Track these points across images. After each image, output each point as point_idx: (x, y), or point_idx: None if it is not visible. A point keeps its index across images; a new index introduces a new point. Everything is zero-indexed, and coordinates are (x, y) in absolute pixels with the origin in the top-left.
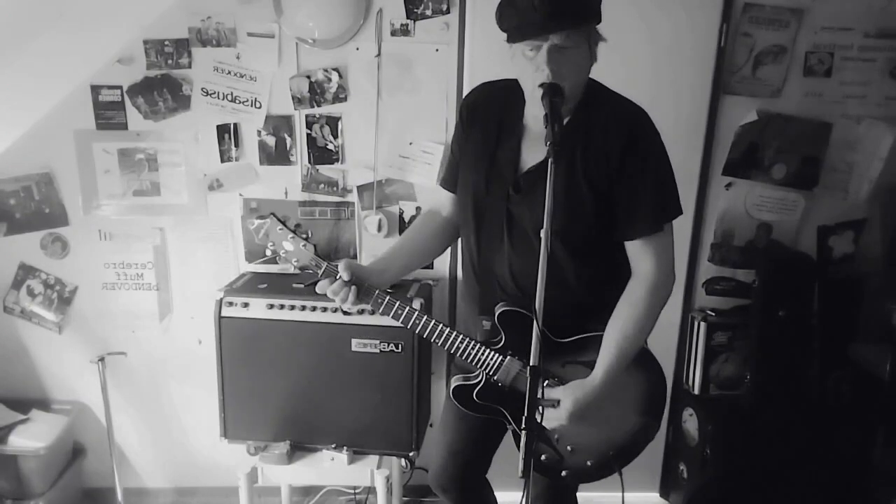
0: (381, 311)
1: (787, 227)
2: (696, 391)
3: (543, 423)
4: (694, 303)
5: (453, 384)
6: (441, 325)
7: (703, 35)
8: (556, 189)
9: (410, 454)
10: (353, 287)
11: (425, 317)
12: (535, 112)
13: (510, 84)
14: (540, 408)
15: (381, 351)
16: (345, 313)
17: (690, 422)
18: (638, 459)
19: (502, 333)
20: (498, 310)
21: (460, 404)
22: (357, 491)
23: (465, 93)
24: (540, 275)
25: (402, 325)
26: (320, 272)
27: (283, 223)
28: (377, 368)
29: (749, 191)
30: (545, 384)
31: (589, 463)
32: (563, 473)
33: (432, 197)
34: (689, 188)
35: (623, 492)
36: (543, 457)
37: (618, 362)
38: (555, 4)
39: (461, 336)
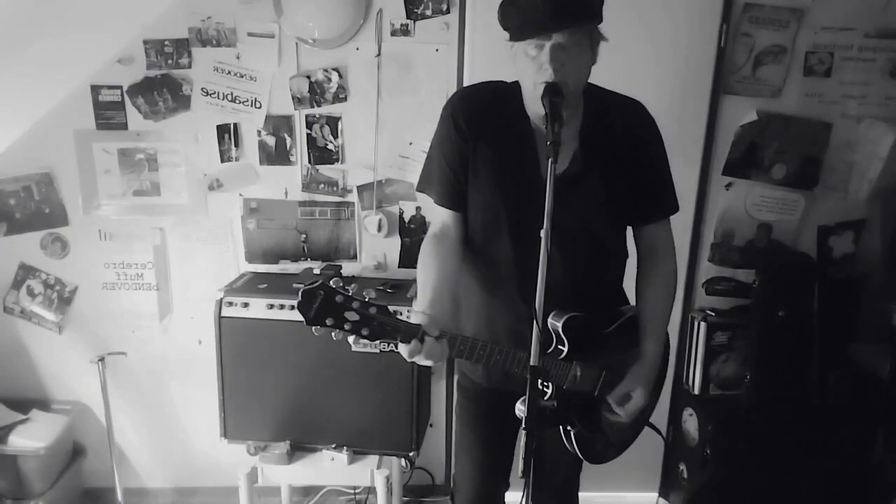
0: (464, 356)
1: (787, 227)
2: (696, 391)
3: (625, 419)
4: (694, 303)
5: (527, 411)
6: (519, 354)
7: (703, 35)
8: (595, 190)
9: (410, 454)
10: (445, 341)
11: (505, 350)
12: (539, 114)
13: (501, 87)
14: (610, 406)
15: (381, 351)
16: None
17: (690, 422)
18: (638, 459)
19: (566, 342)
20: (560, 319)
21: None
22: (357, 491)
23: None
24: (540, 275)
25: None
26: (399, 336)
27: (339, 290)
28: (377, 368)
29: (749, 191)
30: (603, 378)
31: (625, 435)
32: (611, 452)
33: (435, 218)
34: (689, 188)
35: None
36: (599, 445)
37: (662, 333)
38: (558, 2)
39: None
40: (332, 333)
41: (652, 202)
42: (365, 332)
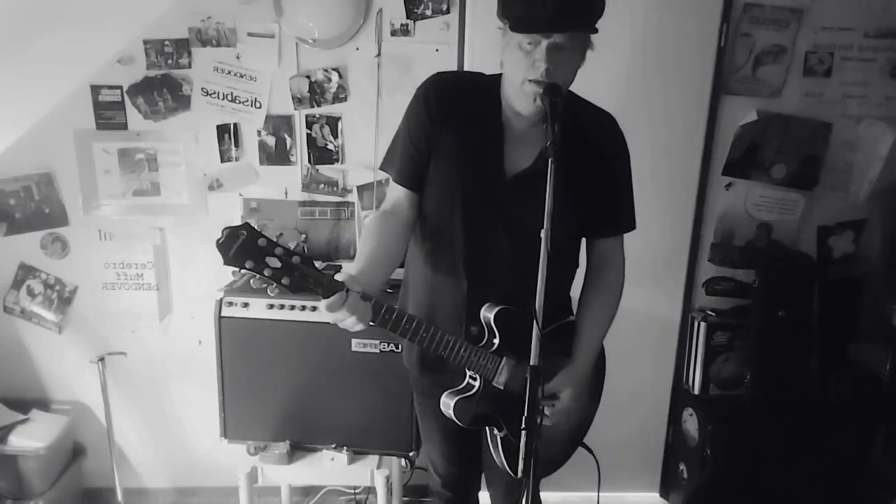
0: (388, 327)
1: (787, 227)
2: (696, 391)
3: (547, 420)
4: (694, 303)
5: (452, 401)
6: (447, 336)
7: (703, 35)
8: (557, 192)
9: (410, 454)
10: (369, 305)
11: (432, 328)
12: (516, 109)
13: (480, 79)
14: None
15: (380, 351)
16: None
17: (690, 422)
18: (637, 459)
19: (497, 335)
20: (492, 311)
21: (459, 420)
22: (357, 491)
23: None
24: (540, 275)
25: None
26: (320, 290)
27: (261, 233)
28: (377, 368)
29: (749, 191)
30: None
31: (554, 452)
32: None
33: (390, 194)
34: (689, 188)
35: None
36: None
37: (598, 344)
38: (564, 3)
39: (465, 344)
40: (252, 280)
41: (612, 217)
42: (285, 280)
